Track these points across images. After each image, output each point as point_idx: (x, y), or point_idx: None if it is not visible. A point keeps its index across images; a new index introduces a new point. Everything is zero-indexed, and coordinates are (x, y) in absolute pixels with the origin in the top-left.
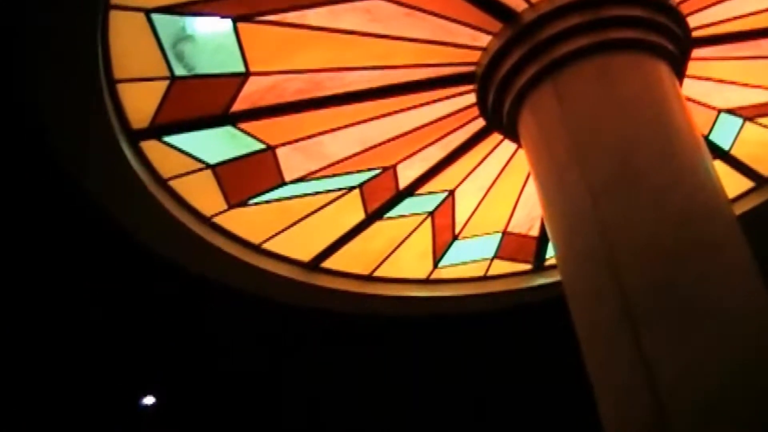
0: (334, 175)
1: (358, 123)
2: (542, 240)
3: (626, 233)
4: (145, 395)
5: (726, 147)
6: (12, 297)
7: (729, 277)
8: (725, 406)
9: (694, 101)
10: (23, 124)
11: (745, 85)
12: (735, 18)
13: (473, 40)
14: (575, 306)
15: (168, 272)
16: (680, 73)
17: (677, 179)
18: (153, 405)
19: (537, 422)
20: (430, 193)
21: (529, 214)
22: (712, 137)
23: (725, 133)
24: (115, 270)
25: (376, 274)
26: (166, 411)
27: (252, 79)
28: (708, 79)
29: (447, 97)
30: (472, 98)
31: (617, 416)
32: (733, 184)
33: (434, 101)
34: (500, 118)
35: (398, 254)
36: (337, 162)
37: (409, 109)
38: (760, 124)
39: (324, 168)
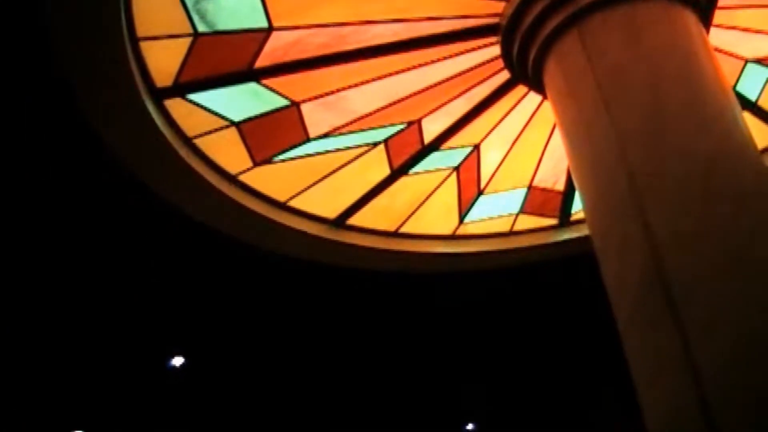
0: (359, 131)
1: (383, 77)
2: (568, 194)
3: (654, 182)
4: (174, 356)
5: (753, 98)
6: (37, 259)
7: (758, 226)
8: (754, 352)
9: (720, 51)
10: (47, 86)
11: None
12: None
13: None
14: (603, 256)
15: (194, 231)
16: (707, 22)
17: (705, 128)
18: (181, 365)
19: (562, 378)
20: (456, 147)
21: (555, 168)
22: (738, 88)
23: (752, 83)
24: (140, 230)
25: (402, 230)
26: (194, 371)
27: (275, 35)
28: (734, 28)
29: (471, 50)
30: (496, 50)
31: (647, 366)
32: (760, 135)
33: (458, 54)
34: (525, 69)
35: (424, 210)
36: (362, 117)
37: (433, 62)
38: None
39: (349, 123)
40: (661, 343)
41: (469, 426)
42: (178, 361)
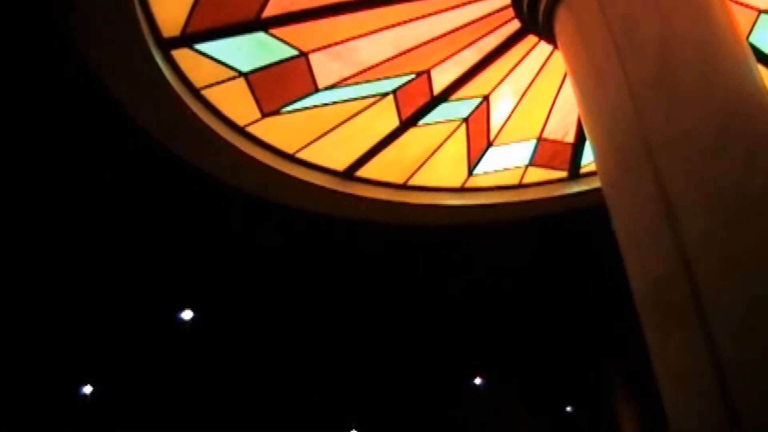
0: (368, 81)
1: (392, 27)
2: (578, 146)
3: (667, 131)
4: (182, 310)
5: (767, 50)
6: (48, 216)
7: None
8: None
9: (733, 1)
10: (53, 37)
11: None
12: None
13: None
14: (615, 207)
15: (201, 183)
16: None
17: (718, 77)
18: (191, 319)
19: (571, 330)
20: (465, 98)
21: (565, 120)
22: (751, 39)
23: (766, 35)
24: (148, 182)
25: (411, 182)
26: (203, 325)
27: None
28: None
29: None
30: None
31: (657, 320)
32: None
33: (468, 3)
34: (536, 18)
35: (433, 162)
36: (371, 67)
37: (442, 11)
38: None
39: (357, 74)
40: (673, 296)
41: (477, 380)
42: (187, 314)
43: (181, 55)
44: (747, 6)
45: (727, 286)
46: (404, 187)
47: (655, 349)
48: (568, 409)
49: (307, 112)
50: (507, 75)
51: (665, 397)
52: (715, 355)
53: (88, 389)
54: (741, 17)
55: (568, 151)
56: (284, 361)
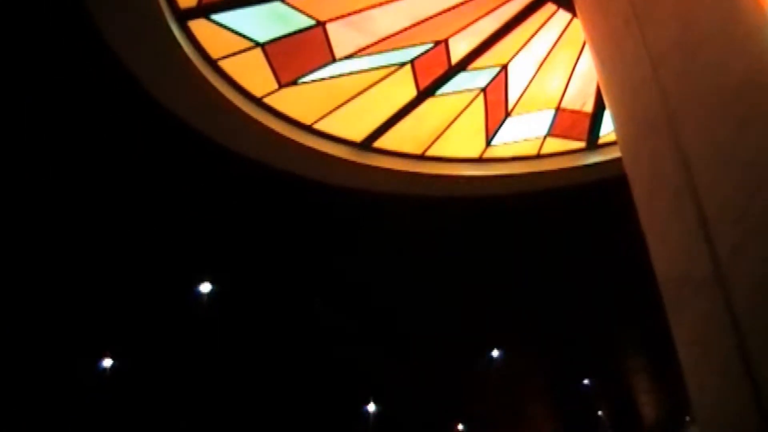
0: (385, 51)
1: None
2: (596, 116)
3: (688, 101)
4: (201, 282)
5: None
6: (63, 187)
7: None
8: None
9: None
10: (68, 8)
11: None
12: None
13: None
14: (634, 175)
15: (218, 155)
16: None
17: (738, 47)
18: (209, 292)
19: (588, 302)
20: (483, 68)
21: (583, 90)
22: None
23: None
24: (164, 154)
25: (429, 153)
26: (221, 297)
27: None
28: None
29: None
30: None
31: (676, 284)
32: None
33: None
34: None
35: (450, 132)
36: (388, 37)
37: None
38: None
39: (375, 44)
40: (693, 265)
41: (495, 353)
42: (205, 287)
43: (198, 26)
44: None
45: (748, 253)
46: (422, 158)
47: (674, 318)
48: (585, 381)
49: (325, 82)
50: (525, 44)
51: (684, 366)
52: (736, 323)
53: (107, 363)
54: None
55: (587, 121)
56: (301, 333)
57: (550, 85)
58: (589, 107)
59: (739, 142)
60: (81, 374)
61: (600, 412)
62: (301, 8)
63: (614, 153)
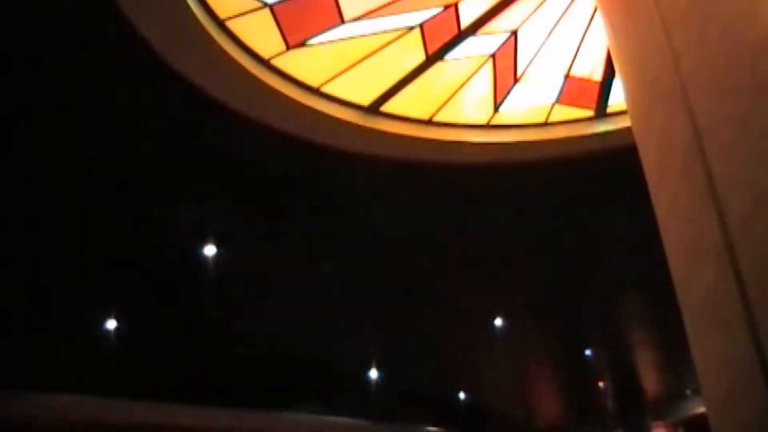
0: (394, 14)
1: None
2: (606, 84)
3: (699, 68)
4: (204, 246)
5: None
6: (71, 152)
7: None
8: None
9: None
10: None
11: None
12: None
13: None
14: (643, 143)
15: (225, 117)
16: None
17: (754, 10)
18: (213, 255)
19: (592, 272)
20: (492, 33)
21: (593, 57)
22: None
23: None
24: (172, 114)
25: (436, 118)
26: (225, 261)
27: None
28: None
29: None
30: None
31: (684, 256)
32: None
33: None
34: None
35: (458, 98)
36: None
37: None
38: None
39: (384, 6)
40: (701, 233)
41: (497, 321)
42: (210, 250)
43: None
44: None
45: (758, 222)
46: (430, 123)
47: (681, 286)
48: (587, 352)
49: (333, 45)
50: (536, 9)
51: (690, 334)
52: (743, 291)
53: (111, 324)
54: None
55: (596, 89)
56: (303, 296)
57: (560, 52)
58: (598, 75)
59: (752, 110)
60: (85, 337)
61: (601, 383)
62: None
63: (623, 122)
